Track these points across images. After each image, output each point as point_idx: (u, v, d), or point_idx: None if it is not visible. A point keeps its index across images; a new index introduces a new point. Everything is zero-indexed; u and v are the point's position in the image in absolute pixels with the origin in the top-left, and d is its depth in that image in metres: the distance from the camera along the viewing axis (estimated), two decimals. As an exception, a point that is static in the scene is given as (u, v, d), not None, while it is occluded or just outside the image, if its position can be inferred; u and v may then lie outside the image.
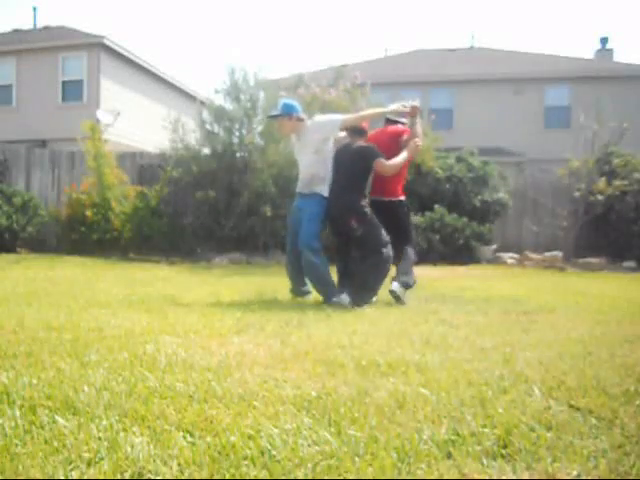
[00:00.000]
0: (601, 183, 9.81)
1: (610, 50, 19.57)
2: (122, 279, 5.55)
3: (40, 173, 10.77)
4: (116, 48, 15.64)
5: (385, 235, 4.26)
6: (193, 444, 1.44)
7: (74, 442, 1.44)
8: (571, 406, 1.80)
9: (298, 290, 4.56)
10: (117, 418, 1.61)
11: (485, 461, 1.39)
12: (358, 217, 4.20)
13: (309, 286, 4.48)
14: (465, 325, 3.27)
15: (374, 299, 4.31)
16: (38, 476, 1.28)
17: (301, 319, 3.33)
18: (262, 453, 1.40)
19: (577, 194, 10.09)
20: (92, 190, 9.28)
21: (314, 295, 4.52)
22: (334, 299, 4.13)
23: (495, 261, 10.01)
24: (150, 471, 1.30)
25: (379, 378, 2.07)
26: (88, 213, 9.05)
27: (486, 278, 6.96)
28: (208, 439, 1.48)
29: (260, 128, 9.46)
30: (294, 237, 4.39)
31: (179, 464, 1.34)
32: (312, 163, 4.30)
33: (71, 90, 15.70)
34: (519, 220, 11.24)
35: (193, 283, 5.44)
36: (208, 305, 3.89)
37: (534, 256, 9.75)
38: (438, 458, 1.40)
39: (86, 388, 1.86)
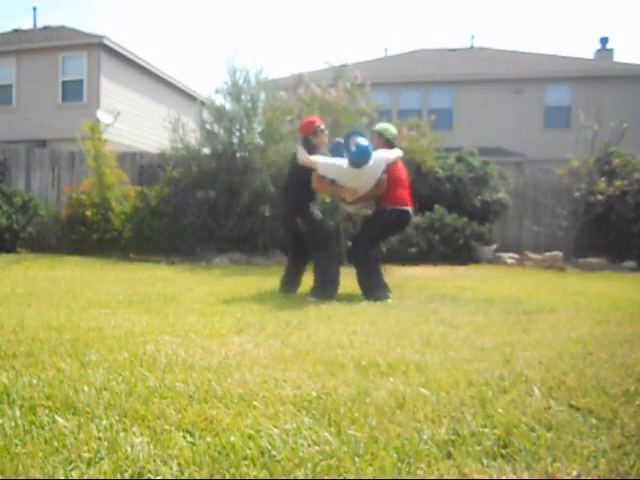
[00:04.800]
0: (601, 183, 9.81)
1: (610, 50, 19.55)
2: (122, 279, 5.55)
3: (40, 173, 10.77)
4: (116, 48, 15.64)
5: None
6: (193, 444, 1.45)
7: (74, 442, 1.44)
8: (571, 406, 1.80)
9: None
10: (117, 418, 1.61)
11: (485, 461, 1.39)
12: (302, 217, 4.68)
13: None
14: (465, 325, 3.27)
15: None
16: (38, 476, 1.28)
17: (301, 319, 3.33)
18: (262, 453, 1.40)
19: (577, 194, 10.08)
20: (92, 190, 9.27)
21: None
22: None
23: (495, 261, 10.00)
24: (150, 471, 1.31)
25: (379, 378, 2.07)
26: (88, 213, 9.04)
27: (486, 278, 6.96)
28: (208, 439, 1.48)
29: (260, 128, 9.46)
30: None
31: (179, 464, 1.34)
32: None
33: (71, 90, 15.69)
34: (519, 220, 11.24)
35: (193, 283, 5.44)
36: (208, 305, 3.89)
37: (534, 256, 9.75)
38: (438, 458, 1.40)
39: (86, 388, 1.86)
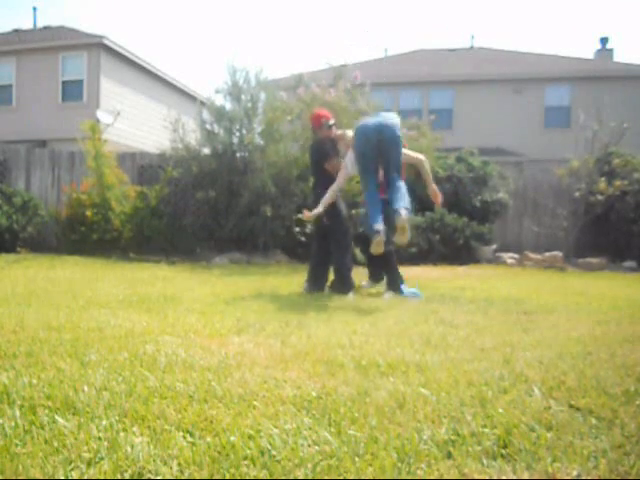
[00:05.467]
0: (601, 183, 9.81)
1: (610, 50, 19.56)
2: (122, 279, 5.55)
3: (40, 173, 10.77)
4: (116, 48, 15.64)
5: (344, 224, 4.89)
6: (193, 444, 1.44)
7: (74, 442, 1.44)
8: (571, 406, 1.80)
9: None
10: (117, 418, 1.61)
11: (485, 461, 1.39)
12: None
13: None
14: (465, 325, 3.27)
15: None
16: (38, 476, 1.28)
17: (301, 319, 3.33)
18: (262, 453, 1.40)
19: (577, 194, 10.09)
20: (92, 190, 9.27)
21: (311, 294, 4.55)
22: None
23: (495, 261, 10.00)
24: (150, 471, 1.30)
25: (379, 378, 2.07)
26: (88, 213, 9.04)
27: (486, 278, 6.96)
28: (208, 439, 1.48)
29: (260, 128, 9.46)
30: None
31: (179, 464, 1.34)
32: None
33: (71, 90, 15.70)
34: (519, 220, 11.24)
35: (193, 283, 5.44)
36: (208, 305, 3.89)
37: (534, 256, 9.75)
38: (438, 458, 1.40)
39: (86, 388, 1.86)
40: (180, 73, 44.03)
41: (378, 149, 4.32)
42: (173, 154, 9.71)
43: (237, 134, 9.42)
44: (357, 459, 1.37)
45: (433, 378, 2.07)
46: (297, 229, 8.83)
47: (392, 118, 4.45)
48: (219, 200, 9.20)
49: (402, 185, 4.37)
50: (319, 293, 4.78)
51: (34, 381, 1.92)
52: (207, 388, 1.89)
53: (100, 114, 11.93)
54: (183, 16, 70.16)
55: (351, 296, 4.58)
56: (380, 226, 4.11)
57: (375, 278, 5.21)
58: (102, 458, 1.36)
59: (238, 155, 9.40)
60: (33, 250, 9.39)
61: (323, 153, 4.86)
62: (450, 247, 9.56)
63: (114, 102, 14.90)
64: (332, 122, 4.93)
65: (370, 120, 4.47)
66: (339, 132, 4.93)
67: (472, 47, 21.33)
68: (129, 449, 1.40)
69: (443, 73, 17.79)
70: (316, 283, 4.90)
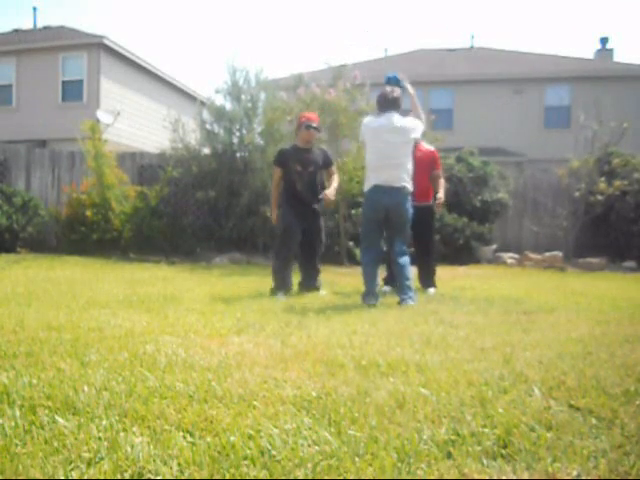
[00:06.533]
0: (601, 183, 9.80)
1: (610, 50, 19.55)
2: (122, 279, 5.55)
3: (40, 173, 10.76)
4: (116, 48, 15.64)
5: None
6: (193, 444, 1.44)
7: (74, 442, 1.44)
8: (571, 406, 1.80)
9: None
10: (117, 418, 1.61)
11: (485, 461, 1.39)
12: None
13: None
14: (465, 325, 3.27)
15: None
16: (38, 476, 1.28)
17: (301, 319, 3.33)
18: (262, 453, 1.40)
19: (577, 194, 10.08)
20: (92, 190, 9.27)
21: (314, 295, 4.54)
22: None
23: (495, 261, 10.00)
24: (150, 471, 1.30)
25: (379, 378, 2.07)
26: (88, 213, 9.04)
27: (486, 278, 6.95)
28: (208, 439, 1.48)
29: (260, 128, 9.46)
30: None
31: (179, 464, 1.34)
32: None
33: (71, 90, 15.69)
34: (519, 220, 11.23)
35: (193, 283, 5.44)
36: (208, 305, 3.89)
37: (534, 256, 9.74)
38: (438, 458, 1.40)
39: (86, 388, 1.86)
40: (180, 73, 44.08)
41: (385, 212, 4.23)
42: (173, 154, 9.71)
43: (237, 134, 9.42)
44: (357, 459, 1.37)
45: (433, 378, 2.07)
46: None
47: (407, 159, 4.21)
48: (219, 200, 9.20)
49: (406, 261, 4.26)
50: (316, 293, 4.80)
51: (34, 381, 1.92)
52: (207, 388, 1.89)
53: (100, 114, 11.92)
54: (183, 16, 70.20)
55: (279, 296, 4.46)
56: (371, 299, 4.11)
57: (394, 283, 5.07)
58: (102, 458, 1.36)
59: (238, 155, 9.40)
60: (33, 250, 9.39)
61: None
62: (450, 247, 9.55)
63: (114, 102, 14.90)
64: (310, 124, 4.75)
65: (383, 176, 4.20)
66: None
67: (472, 47, 21.32)
68: (129, 449, 1.40)
69: (443, 73, 17.79)
70: (303, 280, 5.01)
